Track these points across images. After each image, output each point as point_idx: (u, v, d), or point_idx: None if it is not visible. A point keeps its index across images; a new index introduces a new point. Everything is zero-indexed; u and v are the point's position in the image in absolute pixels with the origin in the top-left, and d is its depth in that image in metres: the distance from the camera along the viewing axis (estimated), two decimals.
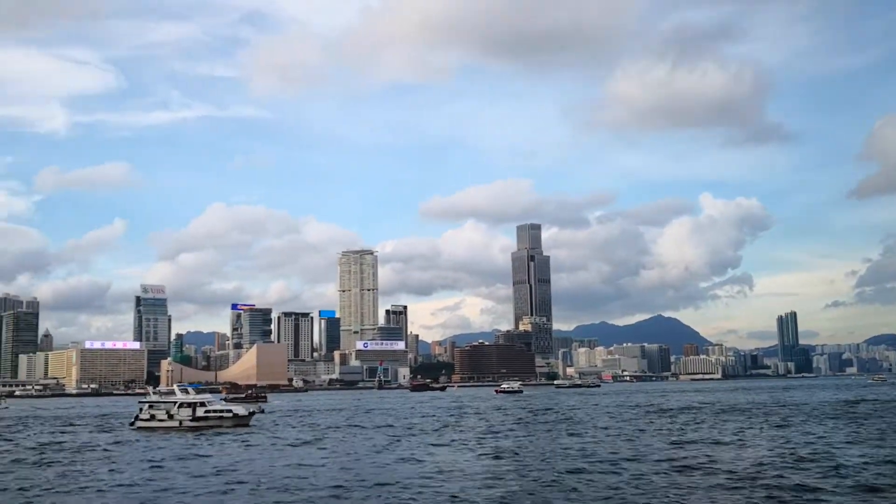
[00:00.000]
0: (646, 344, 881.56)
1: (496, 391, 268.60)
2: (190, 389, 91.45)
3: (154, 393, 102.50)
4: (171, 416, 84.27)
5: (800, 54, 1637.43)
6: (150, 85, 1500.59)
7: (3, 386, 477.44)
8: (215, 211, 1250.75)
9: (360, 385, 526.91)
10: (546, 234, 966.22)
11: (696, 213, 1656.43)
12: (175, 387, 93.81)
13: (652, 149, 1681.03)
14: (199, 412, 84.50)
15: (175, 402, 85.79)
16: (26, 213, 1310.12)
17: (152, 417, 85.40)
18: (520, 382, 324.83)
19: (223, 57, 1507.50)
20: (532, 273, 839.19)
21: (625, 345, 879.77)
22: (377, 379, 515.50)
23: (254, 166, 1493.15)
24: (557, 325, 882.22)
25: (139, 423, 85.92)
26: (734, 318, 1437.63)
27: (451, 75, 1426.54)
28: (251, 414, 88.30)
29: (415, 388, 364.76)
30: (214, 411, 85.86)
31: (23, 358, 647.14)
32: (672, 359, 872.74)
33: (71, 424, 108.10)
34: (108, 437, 79.94)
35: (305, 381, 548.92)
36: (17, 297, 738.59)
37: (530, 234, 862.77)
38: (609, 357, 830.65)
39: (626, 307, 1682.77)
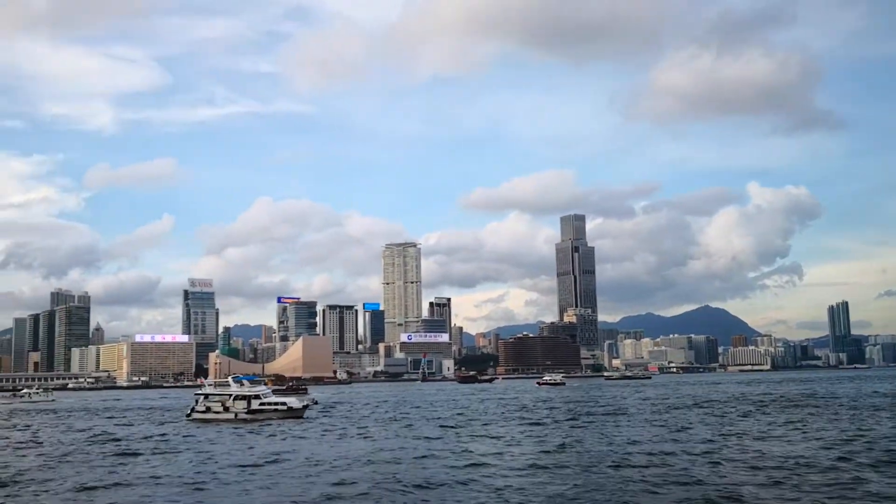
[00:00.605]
0: (693, 335, 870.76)
1: (538, 383, 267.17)
2: (245, 382, 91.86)
3: (210, 385, 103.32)
4: (226, 409, 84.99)
5: (849, 39, 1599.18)
6: (195, 81, 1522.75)
7: (57, 379, 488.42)
8: (261, 205, 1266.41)
9: (405, 377, 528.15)
10: (590, 225, 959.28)
11: (744, 202, 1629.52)
12: (230, 379, 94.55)
13: (697, 137, 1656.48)
14: (254, 404, 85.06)
15: (230, 395, 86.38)
16: (77, 210, 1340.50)
17: (208, 409, 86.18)
18: (562, 374, 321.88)
19: (267, 52, 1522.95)
20: (576, 264, 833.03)
21: (671, 336, 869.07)
22: (421, 371, 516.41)
23: (298, 161, 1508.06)
24: (602, 317, 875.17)
25: (195, 415, 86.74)
26: (783, 309, 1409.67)
27: (492, 67, 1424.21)
28: (305, 406, 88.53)
29: (463, 381, 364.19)
30: (269, 403, 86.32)
31: (75, 351, 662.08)
32: (719, 350, 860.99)
33: (127, 416, 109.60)
34: (167, 428, 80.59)
35: (350, 374, 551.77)
36: (69, 291, 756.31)
37: (574, 225, 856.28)
38: (655, 349, 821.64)
39: (673, 298, 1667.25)
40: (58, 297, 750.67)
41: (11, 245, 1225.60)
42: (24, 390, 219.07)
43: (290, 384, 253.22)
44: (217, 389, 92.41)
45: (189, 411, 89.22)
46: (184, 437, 68.28)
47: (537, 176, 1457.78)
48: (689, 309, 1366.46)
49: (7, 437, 74.08)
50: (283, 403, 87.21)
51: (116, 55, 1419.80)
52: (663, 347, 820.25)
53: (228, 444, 60.62)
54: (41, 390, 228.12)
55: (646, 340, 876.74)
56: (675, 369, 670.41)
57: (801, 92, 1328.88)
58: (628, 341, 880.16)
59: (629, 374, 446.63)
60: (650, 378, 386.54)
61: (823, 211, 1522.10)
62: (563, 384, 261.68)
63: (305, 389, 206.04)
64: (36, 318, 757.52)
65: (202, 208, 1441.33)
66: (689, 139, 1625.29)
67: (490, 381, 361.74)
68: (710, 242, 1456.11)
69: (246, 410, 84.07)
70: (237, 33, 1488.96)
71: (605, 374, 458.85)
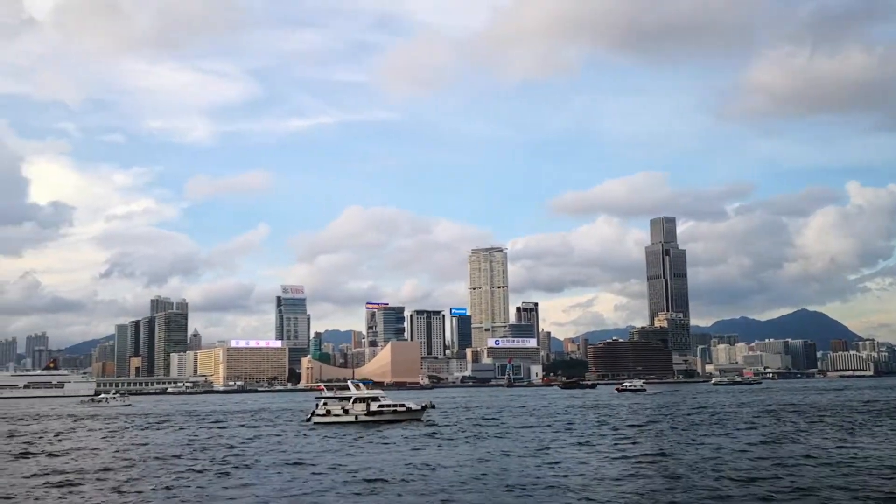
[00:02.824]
0: (789, 339, 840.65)
1: (617, 389, 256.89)
2: (362, 385, 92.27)
3: (328, 389, 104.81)
4: (346, 412, 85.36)
5: None
6: (286, 93, 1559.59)
7: (157, 383, 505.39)
8: (351, 213, 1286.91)
9: (493, 382, 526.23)
10: (681, 228, 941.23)
11: (843, 201, 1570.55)
12: (349, 382, 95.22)
13: (792, 136, 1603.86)
14: (373, 407, 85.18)
15: (350, 398, 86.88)
16: (175, 220, 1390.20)
17: (328, 412, 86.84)
18: (642, 381, 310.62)
19: (355, 62, 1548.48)
20: (667, 268, 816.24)
21: (767, 340, 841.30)
22: (507, 377, 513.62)
23: (387, 168, 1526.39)
24: (695, 321, 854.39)
25: (316, 419, 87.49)
26: (887, 312, 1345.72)
27: (580, 70, 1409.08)
28: (423, 409, 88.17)
29: (564, 386, 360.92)
30: (388, 406, 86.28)
31: (174, 356, 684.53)
32: (818, 355, 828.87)
33: (235, 418, 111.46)
34: (290, 431, 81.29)
35: (438, 378, 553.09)
36: (168, 299, 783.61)
37: (664, 228, 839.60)
38: (750, 353, 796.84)
39: (768, 301, 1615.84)
40: (157, 304, 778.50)
41: (116, 255, 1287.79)
42: (102, 395, 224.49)
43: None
44: (337, 393, 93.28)
45: (310, 415, 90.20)
46: (303, 437, 68.85)
47: (627, 178, 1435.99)
48: (785, 313, 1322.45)
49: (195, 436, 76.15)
50: (402, 405, 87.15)
51: (211, 69, 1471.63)
52: (758, 352, 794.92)
53: (376, 450, 60.65)
54: (118, 395, 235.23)
55: (740, 345, 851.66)
56: (771, 375, 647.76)
57: None
58: (722, 346, 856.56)
59: (738, 379, 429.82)
60: (760, 384, 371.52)
61: None
62: (644, 390, 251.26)
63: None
64: (137, 324, 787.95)
65: (294, 217, 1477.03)
66: (783, 138, 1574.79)
67: (592, 386, 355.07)
68: (806, 244, 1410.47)
69: (365, 413, 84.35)
70: (326, 44, 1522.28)
71: (714, 379, 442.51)
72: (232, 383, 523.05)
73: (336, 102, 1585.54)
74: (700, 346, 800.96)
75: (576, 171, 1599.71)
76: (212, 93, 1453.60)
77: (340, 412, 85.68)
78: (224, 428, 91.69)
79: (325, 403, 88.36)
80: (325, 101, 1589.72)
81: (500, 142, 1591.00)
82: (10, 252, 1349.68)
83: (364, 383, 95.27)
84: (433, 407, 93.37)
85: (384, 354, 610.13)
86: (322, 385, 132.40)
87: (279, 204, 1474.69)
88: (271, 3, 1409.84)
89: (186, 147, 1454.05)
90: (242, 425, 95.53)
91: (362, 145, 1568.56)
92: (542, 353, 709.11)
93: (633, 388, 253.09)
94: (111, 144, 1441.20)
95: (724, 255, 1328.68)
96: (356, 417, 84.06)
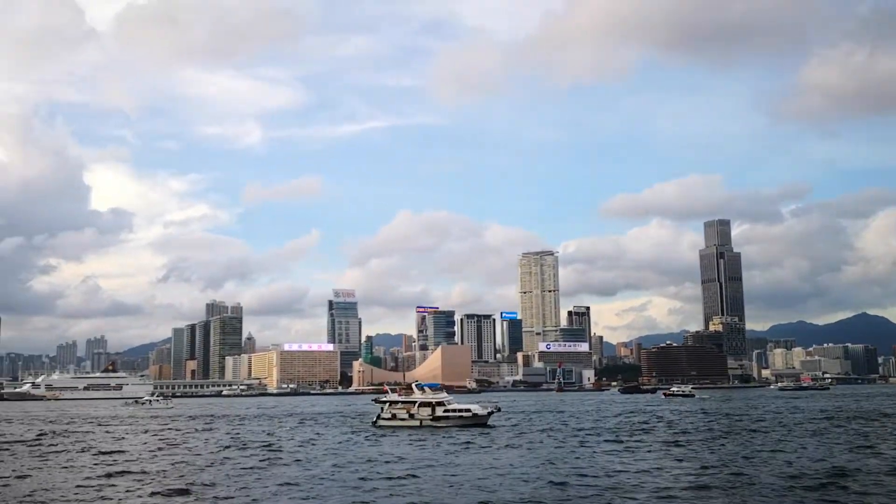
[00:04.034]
0: (849, 344, 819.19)
1: (664, 394, 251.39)
2: (427, 388, 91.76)
3: (393, 392, 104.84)
4: (411, 415, 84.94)
5: None
6: (337, 98, 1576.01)
7: (212, 386, 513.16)
8: (402, 217, 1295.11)
9: (544, 387, 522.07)
10: (736, 231, 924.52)
11: None
12: (414, 386, 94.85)
13: (851, 136, 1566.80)
14: (438, 411, 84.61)
15: (415, 402, 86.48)
16: (230, 225, 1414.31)
17: (393, 416, 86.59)
18: (691, 386, 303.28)
19: (405, 67, 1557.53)
20: (722, 271, 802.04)
21: (825, 345, 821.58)
22: (557, 381, 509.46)
23: (437, 172, 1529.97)
24: (750, 325, 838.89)
25: (381, 422, 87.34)
26: None
27: (632, 72, 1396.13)
28: (489, 413, 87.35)
29: (625, 391, 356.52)
30: (453, 410, 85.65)
31: (229, 360, 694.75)
32: (879, 360, 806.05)
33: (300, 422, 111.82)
34: (356, 435, 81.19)
35: (488, 382, 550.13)
36: (222, 303, 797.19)
37: (719, 231, 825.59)
38: (808, 358, 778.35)
39: (826, 305, 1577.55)
40: (212, 307, 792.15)
41: (173, 260, 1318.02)
42: (146, 397, 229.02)
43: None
44: (402, 396, 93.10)
45: (375, 418, 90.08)
46: (371, 441, 68.67)
47: (680, 181, 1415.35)
48: (844, 317, 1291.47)
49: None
50: (468, 410, 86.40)
51: (264, 76, 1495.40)
52: (816, 357, 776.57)
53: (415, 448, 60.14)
54: (160, 397, 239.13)
55: (797, 350, 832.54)
56: (829, 380, 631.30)
57: None
58: (778, 351, 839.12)
59: (805, 384, 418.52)
60: (828, 389, 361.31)
61: None
62: (693, 395, 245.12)
63: None
64: (193, 328, 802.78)
65: (346, 221, 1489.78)
66: (841, 138, 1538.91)
67: (652, 391, 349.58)
68: (867, 246, 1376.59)
69: (430, 417, 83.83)
70: (376, 50, 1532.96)
71: (780, 385, 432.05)
72: (285, 386, 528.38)
73: (386, 107, 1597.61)
74: (756, 351, 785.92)
75: (627, 173, 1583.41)
76: (264, 99, 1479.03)
77: (406, 416, 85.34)
78: (293, 430, 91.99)
79: (389, 406, 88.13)
80: (376, 106, 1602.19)
81: (551, 145, 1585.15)
82: (72, 257, 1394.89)
83: (430, 387, 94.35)
84: (499, 411, 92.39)
85: (434, 358, 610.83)
86: (386, 386, 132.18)
87: (331, 209, 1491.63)
88: (323, 11, 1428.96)
89: (240, 153, 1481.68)
90: (294, 426, 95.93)
91: (413, 150, 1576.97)
92: (595, 357, 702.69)
93: (681, 393, 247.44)
94: (167, 151, 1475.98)
95: (780, 257, 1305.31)
96: (421, 422, 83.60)
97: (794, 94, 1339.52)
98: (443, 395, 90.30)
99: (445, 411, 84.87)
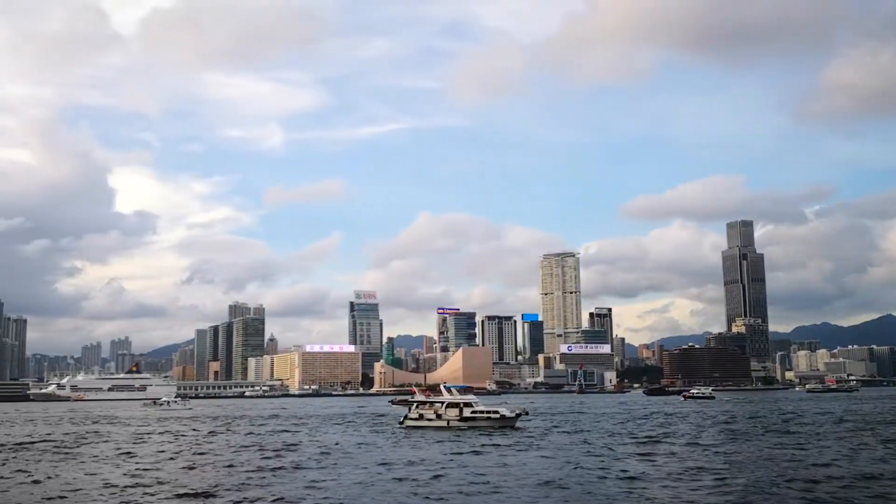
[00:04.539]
0: (874, 346, 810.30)
1: (684, 396, 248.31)
2: (454, 390, 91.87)
3: (420, 393, 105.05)
4: (438, 416, 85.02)
5: None
6: (358, 100, 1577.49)
7: (234, 387, 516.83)
8: (423, 219, 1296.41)
9: (565, 388, 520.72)
10: (759, 232, 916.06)
11: None
12: (442, 386, 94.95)
13: (876, 136, 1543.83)
14: (466, 412, 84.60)
15: (443, 403, 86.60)
16: (252, 227, 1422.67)
17: (421, 417, 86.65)
18: (711, 388, 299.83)
19: (425, 69, 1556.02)
20: (745, 272, 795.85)
21: (850, 347, 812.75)
22: (578, 383, 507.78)
23: (458, 174, 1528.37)
24: (774, 327, 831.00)
25: (408, 423, 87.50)
26: None
27: (654, 73, 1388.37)
28: (517, 416, 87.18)
29: (650, 392, 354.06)
30: (481, 412, 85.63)
31: (251, 361, 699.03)
32: None
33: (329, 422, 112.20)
34: (383, 435, 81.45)
35: (510, 384, 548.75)
36: (245, 304, 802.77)
37: (742, 232, 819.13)
38: (832, 360, 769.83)
39: (851, 307, 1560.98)
40: (235, 309, 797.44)
41: (196, 262, 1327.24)
42: (164, 398, 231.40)
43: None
44: (430, 397, 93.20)
45: (402, 418, 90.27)
46: (397, 441, 68.83)
47: (703, 182, 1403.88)
48: (869, 318, 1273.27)
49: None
50: (496, 412, 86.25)
51: (285, 79, 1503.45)
52: (841, 359, 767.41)
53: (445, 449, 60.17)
54: (178, 398, 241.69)
55: (822, 352, 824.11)
56: (854, 382, 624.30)
57: None
58: (802, 352, 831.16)
59: (833, 386, 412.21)
60: (857, 391, 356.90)
61: None
62: (713, 397, 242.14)
63: None
64: (216, 329, 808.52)
65: (367, 223, 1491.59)
66: (866, 138, 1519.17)
67: (678, 393, 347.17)
68: (892, 247, 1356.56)
69: (458, 418, 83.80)
70: (397, 52, 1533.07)
71: (808, 386, 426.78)
72: (307, 387, 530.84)
73: (407, 109, 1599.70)
74: (779, 353, 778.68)
75: (649, 174, 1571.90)
76: (286, 102, 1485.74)
77: (433, 416, 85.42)
78: (316, 431, 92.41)
79: (417, 407, 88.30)
80: (397, 108, 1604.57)
81: (571, 146, 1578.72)
82: (97, 260, 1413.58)
83: (458, 388, 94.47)
84: (527, 414, 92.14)
85: (456, 360, 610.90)
86: (415, 388, 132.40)
87: (352, 211, 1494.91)
88: (344, 14, 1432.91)
89: (262, 155, 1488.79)
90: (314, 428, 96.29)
91: (434, 151, 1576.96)
92: (616, 359, 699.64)
93: (700, 395, 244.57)
94: (190, 154, 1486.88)
95: (804, 259, 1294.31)
96: (448, 423, 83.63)
97: (817, 93, 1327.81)
98: (470, 397, 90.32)
99: (473, 413, 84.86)
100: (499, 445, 65.27)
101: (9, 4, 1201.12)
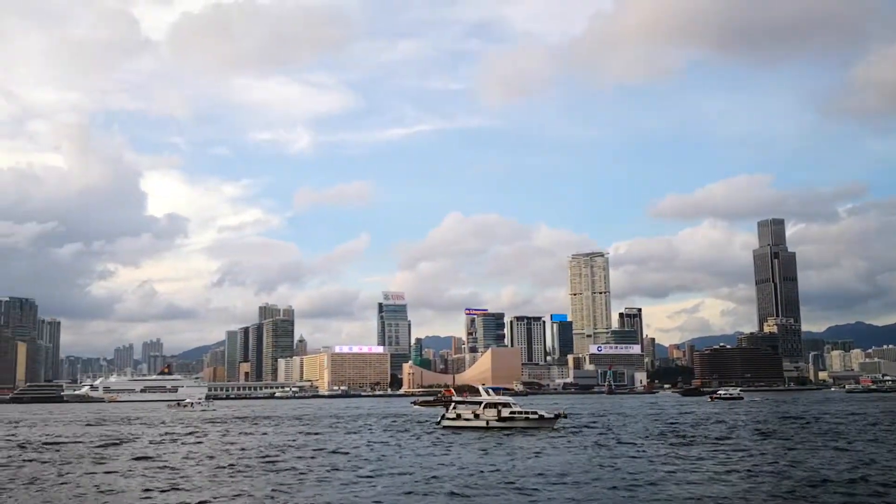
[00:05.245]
0: None
1: (710, 398, 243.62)
2: (490, 391, 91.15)
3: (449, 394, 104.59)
4: (476, 417, 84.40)
5: None
6: (385, 102, 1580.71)
7: (264, 388, 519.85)
8: (451, 220, 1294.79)
9: (595, 389, 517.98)
10: (790, 230, 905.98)
11: None
12: (480, 387, 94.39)
13: None
14: (504, 413, 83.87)
15: (481, 403, 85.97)
16: (281, 229, 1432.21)
17: (458, 417, 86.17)
18: (739, 389, 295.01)
19: (452, 71, 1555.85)
20: (776, 271, 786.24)
21: (885, 347, 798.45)
22: (607, 384, 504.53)
23: (486, 175, 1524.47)
24: (806, 327, 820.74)
25: (445, 423, 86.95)
26: None
27: (681, 73, 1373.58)
28: (556, 417, 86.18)
29: (686, 393, 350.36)
30: (519, 413, 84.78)
31: (281, 362, 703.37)
32: None
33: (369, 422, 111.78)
34: (425, 435, 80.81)
35: (539, 385, 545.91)
36: (274, 306, 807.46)
37: (773, 231, 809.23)
38: (867, 360, 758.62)
39: (887, 306, 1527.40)
40: (265, 311, 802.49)
41: (227, 264, 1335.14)
42: (187, 400, 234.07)
43: (439, 395, 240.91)
44: (467, 398, 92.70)
45: (440, 419, 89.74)
46: (437, 441, 68.08)
47: (732, 180, 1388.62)
48: None
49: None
50: (535, 413, 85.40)
51: (313, 82, 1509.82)
52: (876, 359, 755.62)
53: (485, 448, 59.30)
54: (200, 399, 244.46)
55: (856, 352, 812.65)
56: (890, 382, 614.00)
57: None
58: (836, 352, 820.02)
59: (873, 387, 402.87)
60: None
61: None
62: (741, 398, 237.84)
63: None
64: (246, 330, 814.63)
65: (395, 225, 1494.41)
66: None
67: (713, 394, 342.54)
68: None
69: (497, 419, 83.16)
70: (423, 53, 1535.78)
71: (848, 387, 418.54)
72: (336, 388, 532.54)
73: (434, 110, 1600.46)
74: (812, 353, 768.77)
75: (678, 173, 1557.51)
76: (314, 105, 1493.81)
77: (471, 417, 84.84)
78: (359, 435, 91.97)
79: (454, 408, 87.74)
80: (424, 109, 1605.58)
81: (599, 146, 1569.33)
82: (130, 262, 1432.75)
83: (495, 390, 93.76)
84: (566, 416, 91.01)
85: (484, 360, 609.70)
86: (451, 390, 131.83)
87: (380, 212, 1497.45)
88: (371, 16, 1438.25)
89: (290, 158, 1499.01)
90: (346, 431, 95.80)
91: (461, 152, 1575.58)
92: (647, 359, 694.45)
93: (728, 395, 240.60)
94: (219, 157, 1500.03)
95: (836, 257, 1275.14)
96: (487, 423, 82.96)
97: (847, 91, 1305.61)
98: (508, 398, 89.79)
99: (512, 413, 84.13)
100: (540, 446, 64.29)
101: (42, 11, 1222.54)
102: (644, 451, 62.14)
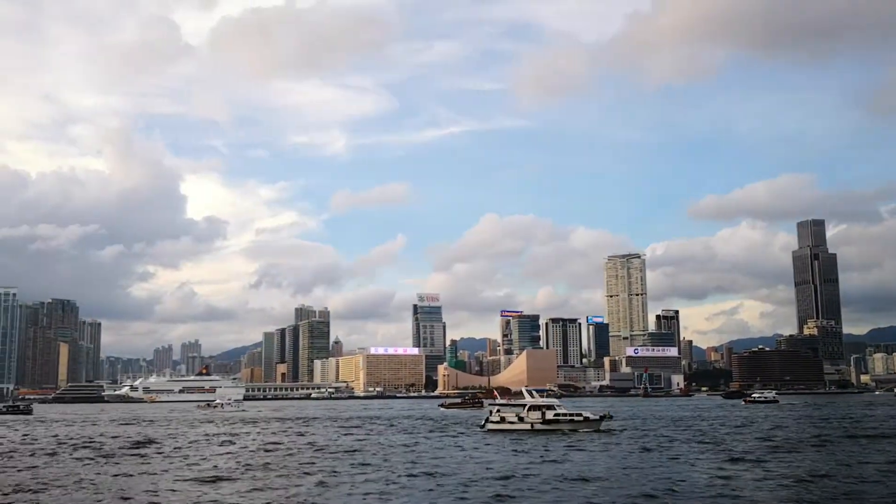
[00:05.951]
0: None
1: (745, 401, 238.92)
2: (534, 393, 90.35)
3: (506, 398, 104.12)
4: (521, 419, 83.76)
5: None
6: (421, 104, 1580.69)
7: (301, 389, 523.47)
8: (487, 222, 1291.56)
9: (632, 392, 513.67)
10: (831, 231, 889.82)
11: None
12: (523, 389, 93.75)
13: None
14: (549, 415, 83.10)
15: (525, 406, 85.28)
16: (318, 231, 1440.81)
17: (502, 419, 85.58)
18: (774, 392, 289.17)
19: (486, 71, 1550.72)
20: (816, 273, 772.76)
21: None
22: (642, 386, 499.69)
23: (522, 176, 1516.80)
24: (848, 329, 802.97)
25: (489, 426, 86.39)
26: None
27: (720, 72, 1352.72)
28: (602, 418, 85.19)
29: (727, 396, 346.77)
30: (564, 415, 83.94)
31: (317, 363, 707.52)
32: None
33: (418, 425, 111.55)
34: (469, 438, 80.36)
35: (574, 388, 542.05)
36: (311, 307, 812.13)
37: (813, 231, 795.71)
38: None
39: None
40: (301, 312, 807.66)
41: (264, 266, 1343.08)
42: (217, 401, 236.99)
43: (466, 398, 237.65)
44: (511, 400, 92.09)
45: (483, 422, 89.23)
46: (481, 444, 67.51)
47: (771, 181, 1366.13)
48: None
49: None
50: (580, 415, 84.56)
51: (349, 85, 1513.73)
52: None
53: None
54: (230, 400, 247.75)
55: None
56: None
57: None
58: (878, 355, 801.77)
59: None
60: None
61: None
62: (777, 401, 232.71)
63: (481, 403, 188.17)
64: (283, 332, 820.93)
65: (431, 226, 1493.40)
66: None
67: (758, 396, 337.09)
68: None
69: (541, 421, 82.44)
70: (459, 54, 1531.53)
71: None
72: (371, 389, 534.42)
73: (470, 112, 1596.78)
74: (854, 356, 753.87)
75: (716, 174, 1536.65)
76: (350, 107, 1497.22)
77: (515, 419, 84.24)
78: (413, 436, 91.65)
79: (498, 410, 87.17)
80: (459, 111, 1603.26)
81: (636, 147, 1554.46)
82: (170, 265, 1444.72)
83: (539, 391, 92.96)
84: (611, 418, 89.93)
85: (520, 362, 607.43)
86: (496, 392, 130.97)
87: (416, 214, 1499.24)
88: (406, 18, 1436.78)
89: (326, 160, 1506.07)
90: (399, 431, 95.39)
91: (497, 154, 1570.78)
92: (684, 362, 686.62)
93: (763, 399, 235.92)
94: (257, 160, 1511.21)
95: (879, 258, 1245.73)
96: (532, 425, 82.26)
97: (890, 89, 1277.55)
98: (552, 400, 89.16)
99: (556, 415, 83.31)
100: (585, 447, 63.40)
101: (83, 16, 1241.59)
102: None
